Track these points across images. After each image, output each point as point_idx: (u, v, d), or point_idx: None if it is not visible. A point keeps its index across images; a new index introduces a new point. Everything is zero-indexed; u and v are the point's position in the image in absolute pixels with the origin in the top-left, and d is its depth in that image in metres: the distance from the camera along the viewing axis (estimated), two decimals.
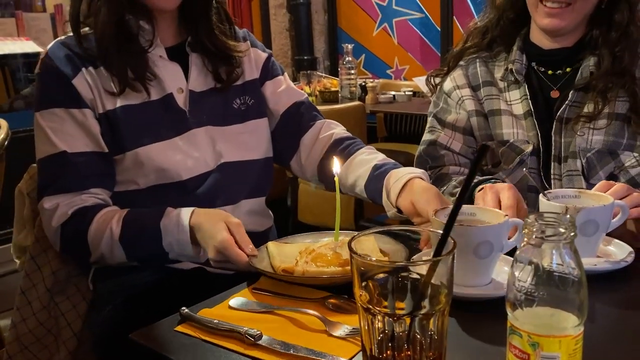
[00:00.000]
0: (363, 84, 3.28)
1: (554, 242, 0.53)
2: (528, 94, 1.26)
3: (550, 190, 0.96)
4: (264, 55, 1.28)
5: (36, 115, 1.09)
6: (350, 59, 3.16)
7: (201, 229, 0.97)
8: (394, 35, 4.17)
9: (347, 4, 4.39)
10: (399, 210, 1.03)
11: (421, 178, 1.04)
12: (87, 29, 1.12)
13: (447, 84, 1.36)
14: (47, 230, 1.07)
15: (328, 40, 4.54)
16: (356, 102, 2.77)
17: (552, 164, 1.24)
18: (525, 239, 0.54)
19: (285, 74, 1.31)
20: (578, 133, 1.21)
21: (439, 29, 3.89)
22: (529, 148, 1.23)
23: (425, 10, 3.98)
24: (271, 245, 0.99)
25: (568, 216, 0.53)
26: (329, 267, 0.88)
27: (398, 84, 3.76)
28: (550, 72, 1.28)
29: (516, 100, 1.28)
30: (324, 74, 3.77)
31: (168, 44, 1.16)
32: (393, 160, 1.15)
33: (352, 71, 3.15)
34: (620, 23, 1.20)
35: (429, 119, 1.38)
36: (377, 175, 1.09)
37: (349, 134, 1.27)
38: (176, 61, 1.15)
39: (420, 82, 3.10)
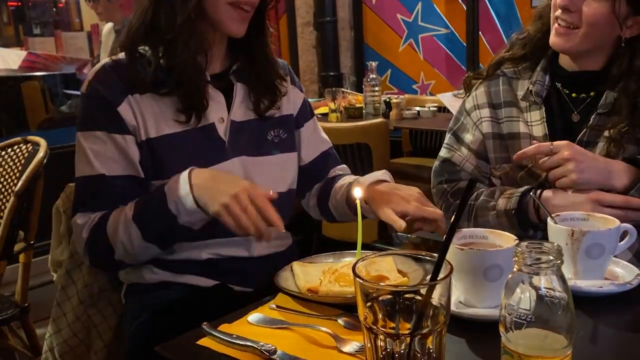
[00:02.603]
0: (387, 100, 3.33)
1: (543, 268, 0.56)
2: (545, 117, 1.26)
3: (558, 214, 0.98)
4: (302, 95, 1.32)
5: (78, 134, 1.11)
6: (374, 76, 3.21)
7: (210, 187, 0.99)
8: (419, 50, 4.21)
9: (374, 20, 4.45)
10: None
11: (380, 181, 1.15)
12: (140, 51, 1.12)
13: (469, 102, 1.38)
14: (77, 243, 1.12)
15: (354, 57, 4.60)
16: (379, 120, 2.81)
17: None
18: (517, 266, 0.58)
19: (315, 117, 1.36)
20: None
21: (465, 45, 3.91)
22: (545, 174, 1.24)
23: (450, 26, 4.01)
24: (295, 265, 1.04)
25: (556, 245, 0.57)
26: (351, 287, 0.92)
27: (423, 99, 3.78)
28: (574, 94, 1.27)
29: (537, 122, 1.27)
30: (349, 90, 3.82)
31: (214, 71, 1.17)
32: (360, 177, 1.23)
33: (376, 88, 3.20)
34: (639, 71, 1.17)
35: (448, 135, 1.40)
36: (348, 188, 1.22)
37: (340, 173, 1.35)
38: (219, 89, 1.16)
39: (444, 98, 3.12)
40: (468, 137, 1.36)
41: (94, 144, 1.09)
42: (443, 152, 1.40)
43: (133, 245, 1.06)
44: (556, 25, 1.21)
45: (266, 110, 1.21)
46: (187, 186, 1.00)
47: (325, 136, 1.37)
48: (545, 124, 1.26)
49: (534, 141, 1.25)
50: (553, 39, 1.22)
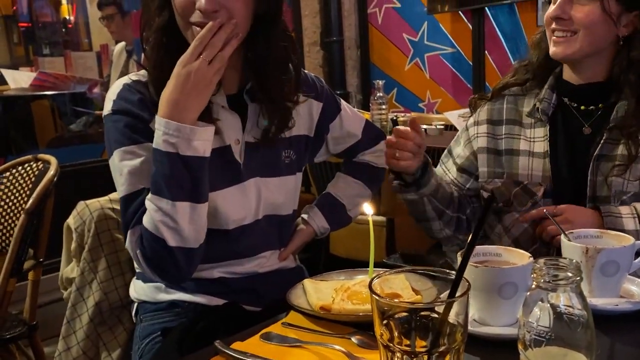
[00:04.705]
0: (394, 118, 3.33)
1: (562, 285, 0.56)
2: (548, 135, 1.27)
3: (572, 231, 0.98)
4: (319, 104, 1.27)
5: (114, 155, 1.07)
6: (381, 94, 3.22)
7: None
8: (425, 69, 4.23)
9: (380, 39, 4.48)
10: None
11: None
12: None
13: (471, 119, 1.40)
14: (138, 266, 1.07)
15: (361, 75, 4.63)
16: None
17: (587, 205, 1.21)
18: (535, 283, 0.57)
19: (341, 111, 1.33)
20: (615, 173, 1.18)
21: (471, 64, 3.93)
22: (541, 190, 1.24)
23: (456, 45, 4.02)
24: (307, 282, 1.03)
25: (575, 261, 0.56)
26: (364, 305, 0.91)
27: (430, 117, 3.79)
28: (582, 107, 1.27)
29: (540, 138, 1.28)
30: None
31: (230, 91, 1.15)
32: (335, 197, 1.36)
33: (383, 106, 3.20)
34: (638, 61, 1.18)
35: (445, 152, 1.44)
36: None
37: (356, 161, 1.41)
38: (235, 110, 1.14)
39: (451, 116, 3.13)
40: (457, 151, 1.39)
41: (133, 161, 1.05)
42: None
43: (174, 219, 0.99)
44: (554, 37, 1.23)
45: (275, 133, 1.16)
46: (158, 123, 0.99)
47: (355, 126, 1.36)
48: (548, 142, 1.26)
49: (532, 158, 1.27)
50: (553, 49, 1.24)
